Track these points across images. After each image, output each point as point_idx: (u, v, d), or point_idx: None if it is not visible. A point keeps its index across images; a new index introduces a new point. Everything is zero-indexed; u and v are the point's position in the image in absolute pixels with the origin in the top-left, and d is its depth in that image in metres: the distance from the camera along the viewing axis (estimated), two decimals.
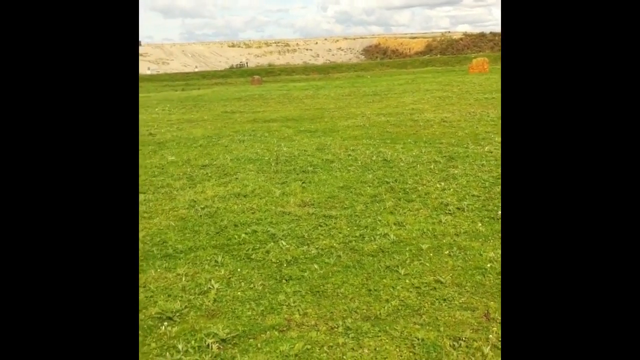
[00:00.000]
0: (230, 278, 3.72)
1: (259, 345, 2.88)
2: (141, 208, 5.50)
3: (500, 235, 4.17)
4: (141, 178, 6.94)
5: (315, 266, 3.84)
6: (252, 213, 5.16)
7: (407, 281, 3.55)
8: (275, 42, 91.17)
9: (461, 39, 74.78)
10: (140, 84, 36.13)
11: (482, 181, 5.89)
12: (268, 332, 2.99)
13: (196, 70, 57.11)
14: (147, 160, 8.19)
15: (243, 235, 4.53)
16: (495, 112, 11.31)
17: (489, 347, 2.73)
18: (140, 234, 4.68)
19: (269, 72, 44.39)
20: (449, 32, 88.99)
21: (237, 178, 6.66)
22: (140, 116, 14.67)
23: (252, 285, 3.59)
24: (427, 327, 2.97)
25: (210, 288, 3.55)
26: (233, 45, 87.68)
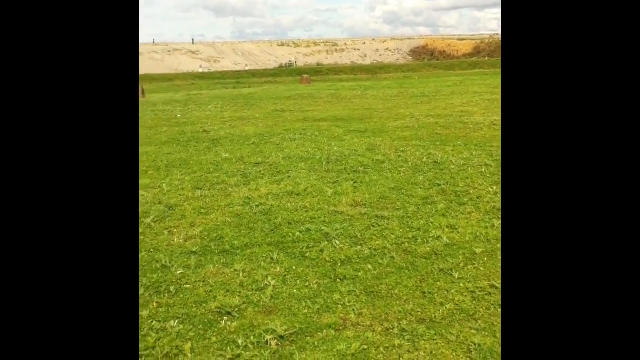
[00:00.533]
0: (285, 275, 3.81)
1: (316, 343, 2.94)
2: (198, 204, 5.69)
3: None
4: (197, 174, 7.16)
5: (369, 266, 3.88)
6: (306, 212, 5.25)
7: (461, 285, 3.54)
8: (323, 42, 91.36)
9: None
10: (193, 82, 37.10)
11: None
12: (325, 331, 3.05)
13: (246, 68, 57.96)
14: (202, 157, 8.43)
15: (297, 233, 4.62)
16: None
17: None
18: (198, 229, 4.85)
19: (317, 72, 44.65)
20: (497, 34, 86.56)
21: (289, 176, 6.76)
22: (194, 113, 15.09)
23: (307, 284, 3.66)
24: (483, 333, 2.96)
25: (267, 285, 3.65)
26: (282, 45, 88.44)
